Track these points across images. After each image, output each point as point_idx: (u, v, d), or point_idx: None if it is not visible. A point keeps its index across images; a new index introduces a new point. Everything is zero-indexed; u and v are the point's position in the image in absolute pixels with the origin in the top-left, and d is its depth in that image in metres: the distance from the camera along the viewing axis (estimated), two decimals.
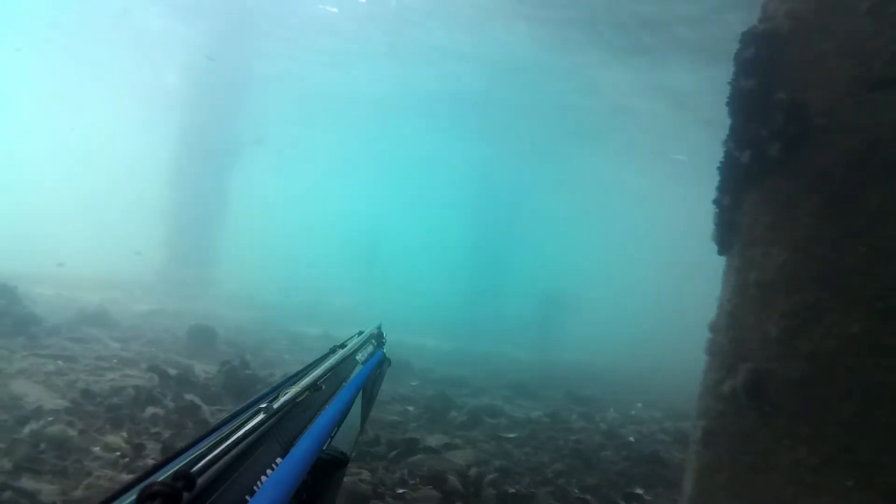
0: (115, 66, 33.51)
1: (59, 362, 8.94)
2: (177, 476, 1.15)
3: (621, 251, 48.42)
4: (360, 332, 3.19)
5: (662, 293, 39.74)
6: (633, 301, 39.06)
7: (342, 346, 2.70)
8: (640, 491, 7.55)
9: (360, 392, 2.47)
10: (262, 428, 1.59)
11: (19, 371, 7.99)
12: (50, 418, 6.27)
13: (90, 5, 25.77)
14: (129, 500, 1.10)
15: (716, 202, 6.92)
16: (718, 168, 6.77)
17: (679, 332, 30.68)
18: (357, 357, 2.80)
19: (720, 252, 6.99)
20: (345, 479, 5.92)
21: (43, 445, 5.58)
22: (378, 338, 3.40)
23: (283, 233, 53.39)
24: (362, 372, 2.62)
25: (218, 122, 27.87)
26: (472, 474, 6.55)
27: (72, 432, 5.94)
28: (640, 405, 15.23)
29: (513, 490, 6.43)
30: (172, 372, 9.04)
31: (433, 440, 8.16)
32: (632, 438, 10.26)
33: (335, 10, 23.80)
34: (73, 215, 39.72)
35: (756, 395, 5.98)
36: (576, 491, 7.08)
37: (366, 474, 6.01)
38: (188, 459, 1.30)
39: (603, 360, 23.44)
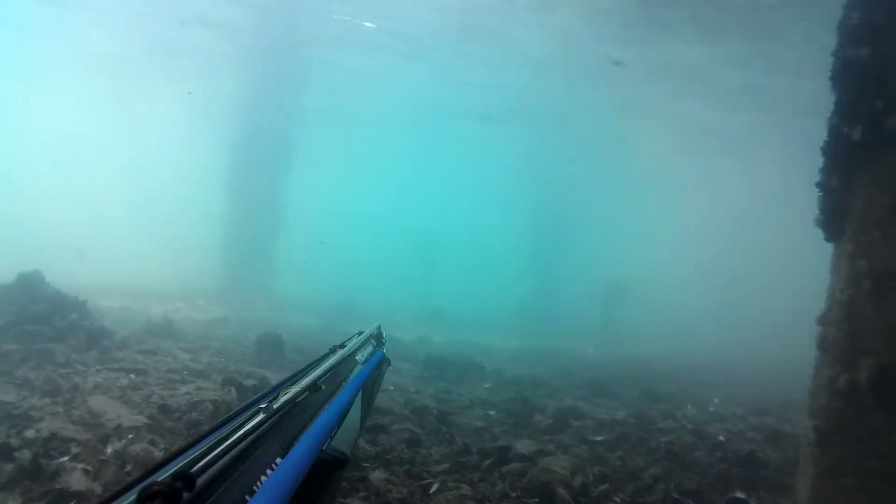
0: (172, 73, 33.70)
1: (132, 376, 8.80)
2: (177, 476, 1.15)
3: (686, 240, 47.09)
4: (360, 333, 3.21)
5: (731, 283, 38.78)
6: (699, 292, 38.09)
7: (342, 346, 2.73)
8: (741, 495, 7.12)
9: (360, 392, 2.49)
10: (262, 428, 1.60)
11: (95, 386, 7.85)
12: (131, 436, 6.07)
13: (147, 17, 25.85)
14: (129, 500, 1.10)
15: (820, 185, 6.40)
16: (822, 148, 6.25)
17: (748, 323, 30.05)
18: (357, 357, 2.84)
19: (827, 238, 6.45)
20: (447, 496, 5.63)
21: (129, 466, 5.37)
22: (378, 338, 3.43)
23: (340, 237, 53.37)
24: (362, 372, 2.65)
25: (273, 125, 27.91)
26: (576, 484, 6.15)
27: (155, 451, 5.72)
28: (717, 400, 14.69)
29: (617, 499, 6.02)
30: (249, 383, 8.85)
31: (523, 446, 7.78)
32: (722, 437, 9.74)
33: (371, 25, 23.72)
34: (132, 226, 40.20)
35: (882, 392, 5.50)
36: (675, 495, 6.66)
37: (465, 488, 5.67)
38: (188, 459, 1.32)
39: (670, 354, 22.80)
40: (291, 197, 29.61)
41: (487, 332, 23.76)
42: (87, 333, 10.29)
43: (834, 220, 6.30)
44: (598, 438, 8.87)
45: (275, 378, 9.84)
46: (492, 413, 9.83)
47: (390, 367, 3.56)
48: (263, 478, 1.48)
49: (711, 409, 13.55)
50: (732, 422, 11.95)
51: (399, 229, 54.15)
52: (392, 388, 11.23)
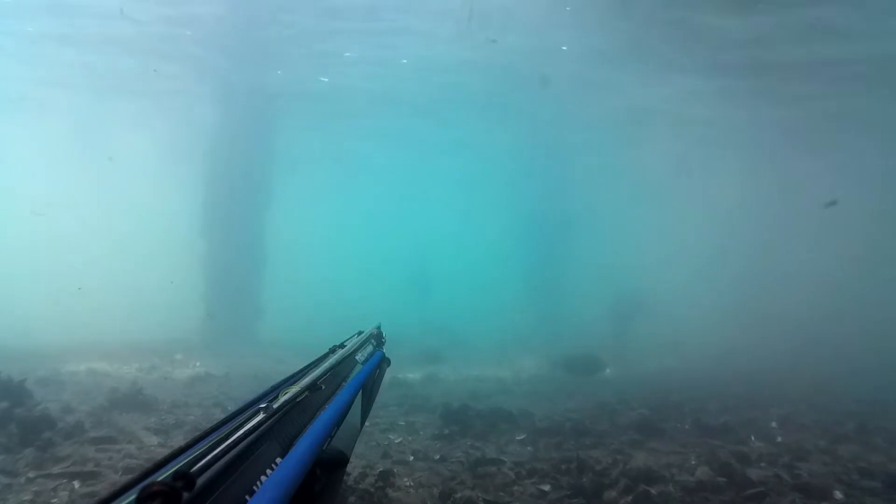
0: (137, 106, 31.53)
1: (76, 484, 6.65)
2: (177, 476, 1.15)
3: (702, 240, 45.03)
4: (360, 332, 3.26)
5: (748, 282, 37.14)
6: (713, 298, 36.19)
7: (342, 345, 2.84)
8: None
9: (360, 392, 2.51)
10: (262, 428, 1.61)
11: None
12: None
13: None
14: (128, 500, 1.12)
15: None
16: None
17: (773, 326, 28.23)
18: (357, 357, 2.92)
19: None
20: None
21: None
22: (378, 338, 3.50)
23: (328, 267, 51.06)
24: (362, 372, 2.70)
25: (247, 158, 25.98)
26: None
27: None
28: (774, 424, 12.82)
29: None
30: None
31: None
32: (839, 495, 7.70)
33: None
34: (103, 277, 37.68)
35: None
36: None
37: None
38: (188, 459, 1.32)
39: (692, 367, 20.84)
40: (272, 231, 27.65)
41: (497, 361, 21.62)
42: (22, 425, 8.08)
43: None
44: None
45: None
46: (546, 489, 7.67)
47: (403, 424, 3.11)
48: (263, 477, 1.46)
49: (779, 439, 11.65)
50: (821, 458, 9.98)
51: (391, 254, 51.77)
52: (412, 457, 9.13)
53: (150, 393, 12.22)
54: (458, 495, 6.88)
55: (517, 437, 10.95)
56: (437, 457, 9.19)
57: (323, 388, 2.09)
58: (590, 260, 39.52)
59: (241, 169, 26.07)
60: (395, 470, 8.09)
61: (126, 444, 8.59)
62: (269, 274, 26.85)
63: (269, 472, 1.49)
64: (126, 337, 21.19)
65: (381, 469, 7.81)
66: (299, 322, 27.52)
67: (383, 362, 3.31)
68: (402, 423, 11.58)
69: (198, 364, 18.27)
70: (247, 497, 1.35)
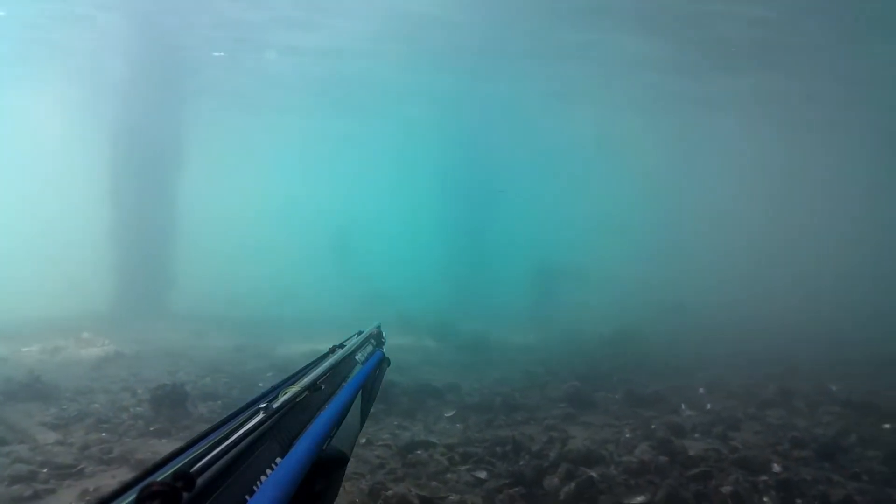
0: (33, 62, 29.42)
1: None
2: (176, 476, 1.12)
3: (630, 209, 45.21)
4: (360, 332, 3.17)
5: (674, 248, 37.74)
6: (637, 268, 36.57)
7: (341, 345, 2.73)
8: None
9: (360, 392, 2.45)
10: (262, 428, 1.57)
11: None
12: None
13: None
14: (128, 500, 1.07)
15: None
16: None
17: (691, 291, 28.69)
18: (356, 357, 2.84)
19: None
20: None
21: None
22: (377, 337, 3.40)
23: (244, 239, 49.39)
24: (362, 371, 2.63)
25: (158, 122, 24.51)
26: None
27: None
28: (702, 391, 12.92)
29: None
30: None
31: None
32: (777, 468, 7.54)
33: None
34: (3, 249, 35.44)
35: None
36: None
37: None
38: (188, 459, 1.28)
39: (619, 333, 20.74)
40: (185, 198, 26.35)
41: (419, 331, 20.98)
42: None
43: None
44: (640, 500, 6.49)
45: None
46: (484, 476, 7.22)
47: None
48: (263, 477, 1.45)
49: (708, 406, 11.76)
50: (752, 427, 10.08)
51: (310, 222, 50.48)
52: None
53: (51, 379, 11.24)
54: (390, 492, 6.33)
55: (446, 414, 10.54)
56: (363, 440, 8.67)
57: (323, 388, 2.04)
58: (513, 232, 39.50)
59: (151, 133, 24.62)
60: None
61: (18, 444, 7.72)
62: (182, 244, 25.65)
63: (269, 472, 1.46)
64: (27, 315, 19.77)
65: None
66: (218, 294, 26.59)
67: (383, 362, 3.25)
68: None
69: (107, 342, 17.17)
70: (247, 497, 1.33)
